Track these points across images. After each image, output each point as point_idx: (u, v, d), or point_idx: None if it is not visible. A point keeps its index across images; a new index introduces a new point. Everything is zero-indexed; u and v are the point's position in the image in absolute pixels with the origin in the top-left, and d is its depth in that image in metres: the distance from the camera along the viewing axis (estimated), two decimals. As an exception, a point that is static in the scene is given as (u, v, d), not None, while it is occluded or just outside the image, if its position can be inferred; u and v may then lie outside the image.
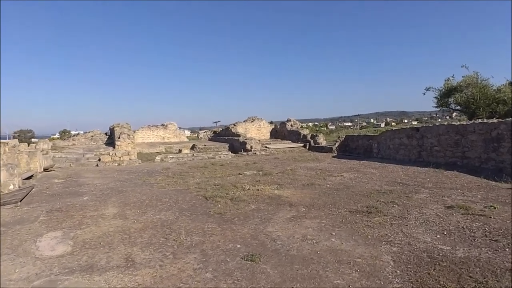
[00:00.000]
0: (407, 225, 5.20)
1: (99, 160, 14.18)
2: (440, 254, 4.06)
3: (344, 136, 17.83)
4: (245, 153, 17.41)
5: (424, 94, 20.30)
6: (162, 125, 24.99)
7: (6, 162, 9.23)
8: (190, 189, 8.70)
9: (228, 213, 6.26)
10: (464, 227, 5.00)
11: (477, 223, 5.13)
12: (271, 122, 28.74)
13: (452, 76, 19.13)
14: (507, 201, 6.42)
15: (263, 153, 17.41)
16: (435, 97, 19.99)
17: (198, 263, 4.08)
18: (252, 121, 25.80)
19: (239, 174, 11.20)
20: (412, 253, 4.15)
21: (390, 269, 3.74)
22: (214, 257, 4.24)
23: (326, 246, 4.49)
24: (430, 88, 19.89)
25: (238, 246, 4.63)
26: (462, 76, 18.67)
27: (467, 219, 5.38)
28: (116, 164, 13.99)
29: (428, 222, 5.30)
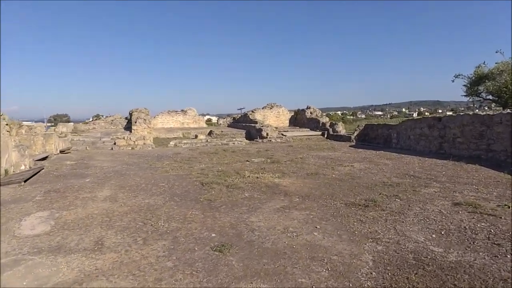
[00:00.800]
0: (403, 222, 4.73)
1: (114, 143, 14.41)
2: (429, 257, 3.61)
3: (363, 125, 17.03)
4: (260, 140, 17.11)
5: (453, 81, 18.85)
6: (182, 110, 25.10)
7: (18, 143, 9.47)
8: (192, 175, 8.57)
9: (218, 200, 6.05)
10: (467, 227, 4.46)
11: (483, 224, 4.56)
12: (298, 110, 27.89)
13: (484, 63, 17.62)
14: (526, 200, 5.72)
15: (279, 140, 17.03)
16: (465, 85, 18.52)
17: (164, 251, 3.90)
18: (270, 108, 25.31)
19: (247, 161, 10.96)
20: (398, 253, 3.73)
21: (365, 270, 3.35)
22: (183, 245, 4.04)
23: (305, 241, 4.15)
24: (459, 75, 18.43)
25: (213, 235, 4.41)
26: (496, 63, 17.09)
27: (473, 218, 4.81)
28: (130, 148, 14.16)
29: (427, 220, 4.79)
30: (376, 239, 4.15)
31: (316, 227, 4.61)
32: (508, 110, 10.05)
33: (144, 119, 16.02)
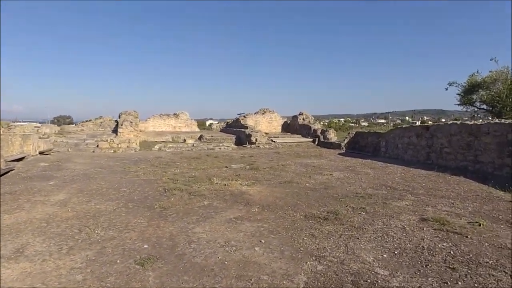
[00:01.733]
0: (358, 238, 4.32)
1: (97, 146, 14.13)
2: (369, 281, 3.21)
3: (354, 133, 16.59)
4: (249, 146, 16.75)
5: (446, 89, 18.22)
6: (174, 114, 24.84)
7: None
8: (161, 180, 8.24)
9: (172, 208, 5.69)
10: (425, 246, 4.05)
11: (444, 243, 4.14)
12: (306, 115, 27.27)
13: (477, 71, 17.04)
14: (500, 217, 5.28)
15: (267, 146, 16.65)
16: (458, 94, 17.95)
17: (83, 262, 3.58)
18: (263, 113, 24.95)
19: (226, 167, 10.60)
20: (337, 275, 3.33)
21: (291, 294, 2.97)
22: (107, 257, 3.71)
23: (242, 256, 3.77)
24: (453, 83, 17.86)
25: (146, 246, 4.06)
26: (489, 71, 16.52)
27: (437, 236, 4.39)
28: (112, 151, 13.88)
29: (385, 237, 4.38)
30: (320, 257, 3.76)
31: (260, 241, 4.23)
32: (496, 120, 9.60)
33: (131, 122, 15.75)
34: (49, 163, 10.74)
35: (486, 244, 4.12)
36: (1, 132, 9.62)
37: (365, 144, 15.39)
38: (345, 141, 16.22)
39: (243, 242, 4.19)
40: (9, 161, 10.05)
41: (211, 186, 7.45)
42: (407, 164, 11.24)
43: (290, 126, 23.79)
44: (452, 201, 6.25)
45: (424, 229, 4.68)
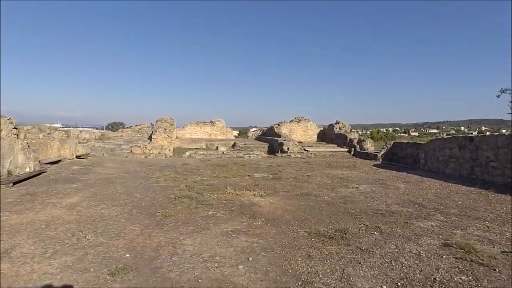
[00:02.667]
0: (360, 263, 3.79)
1: (131, 151, 14.58)
2: (353, 315, 2.72)
3: (392, 143, 15.47)
4: (280, 155, 16.32)
5: (498, 97, 16.21)
6: (210, 122, 25.12)
7: (25, 146, 9.79)
8: (178, 187, 8.17)
9: (173, 217, 5.52)
10: (438, 279, 3.42)
11: (463, 277, 3.47)
12: (342, 123, 26.37)
13: None
14: (545, 246, 4.41)
15: (299, 156, 16.09)
16: (511, 101, 15.94)
17: (58, 268, 3.57)
18: (298, 122, 24.30)
19: (248, 176, 10.32)
20: (318, 305, 2.88)
21: (255, 325, 2.58)
22: (83, 264, 3.63)
23: (220, 275, 3.44)
24: (506, 90, 15.90)
25: (127, 255, 3.90)
26: None
27: (456, 267, 3.71)
28: (144, 157, 14.23)
29: (393, 263, 3.80)
30: (307, 283, 3.31)
31: (248, 259, 3.87)
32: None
33: (165, 129, 16.11)
34: (81, 166, 11.21)
35: (516, 281, 3.40)
36: (21, 136, 10.06)
37: (403, 155, 14.27)
38: (382, 152, 15.19)
39: (229, 259, 3.85)
40: (44, 163, 10.63)
41: (223, 195, 7.20)
42: (447, 178, 10.15)
43: (326, 135, 22.95)
44: (488, 224, 5.39)
45: (444, 256, 4.01)
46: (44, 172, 9.69)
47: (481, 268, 3.68)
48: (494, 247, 4.39)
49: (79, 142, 13.98)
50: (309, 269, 3.63)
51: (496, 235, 4.87)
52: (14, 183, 7.87)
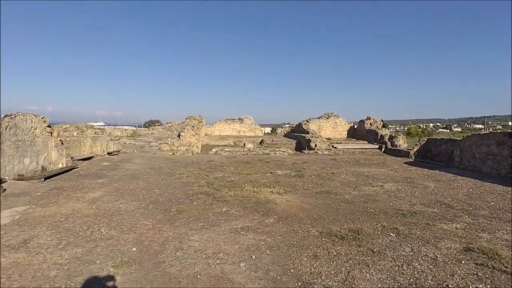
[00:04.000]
0: (368, 266, 3.60)
1: (159, 148, 14.98)
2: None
3: (425, 140, 14.66)
4: (306, 152, 16.04)
5: None
6: (239, 119, 25.23)
7: (58, 143, 10.35)
8: (199, 183, 8.26)
9: (187, 212, 5.58)
10: (451, 286, 3.16)
11: (480, 285, 3.18)
12: (373, 119, 25.42)
13: None
14: None
15: (326, 152, 15.72)
16: None
17: (68, 259, 3.76)
18: (327, 118, 23.70)
19: (271, 172, 10.24)
20: (314, 307, 2.76)
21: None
22: (91, 256, 3.79)
23: (220, 272, 3.41)
24: None
25: (134, 249, 3.99)
26: None
27: (475, 274, 3.42)
28: (171, 153, 14.56)
29: (405, 268, 3.57)
30: (308, 283, 3.20)
31: (251, 257, 3.81)
32: None
33: (193, 126, 16.39)
34: (111, 163, 11.66)
35: (539, 289, 3.07)
36: (55, 133, 10.54)
37: (437, 152, 13.48)
38: (414, 149, 14.45)
39: (232, 256, 3.81)
40: (76, 160, 11.17)
41: (241, 192, 7.18)
42: (483, 177, 9.45)
43: (357, 132, 22.25)
44: (522, 228, 4.94)
45: (463, 262, 3.71)
46: (75, 168, 10.18)
47: (503, 276, 3.36)
48: (521, 252, 4.01)
49: (110, 140, 14.56)
50: (313, 269, 3.50)
51: (528, 240, 4.45)
52: (46, 178, 8.32)
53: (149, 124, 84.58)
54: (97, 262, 3.58)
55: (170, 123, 20.07)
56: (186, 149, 14.92)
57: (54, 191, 7.11)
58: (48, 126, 9.99)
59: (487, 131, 11.69)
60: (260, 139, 19.54)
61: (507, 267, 3.54)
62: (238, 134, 24.42)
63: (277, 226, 4.97)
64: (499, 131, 10.91)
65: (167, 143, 14.96)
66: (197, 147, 16.10)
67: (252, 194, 7.03)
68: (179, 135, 16.79)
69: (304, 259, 3.77)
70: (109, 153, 13.62)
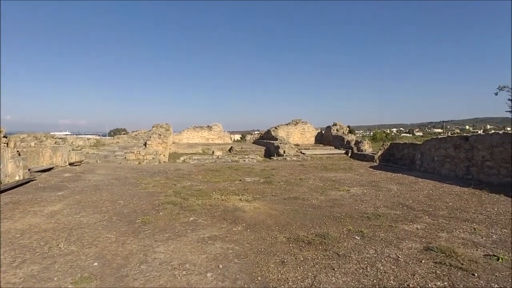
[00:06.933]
0: (334, 269, 3.65)
1: (125, 158, 14.53)
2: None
3: (389, 144, 15.28)
4: (275, 158, 16.20)
5: (496, 94, 16.03)
6: (208, 126, 25.07)
7: (13, 155, 9.76)
8: (166, 193, 8.06)
9: (152, 224, 5.42)
10: (412, 285, 3.27)
11: (438, 282, 3.32)
12: (340, 125, 25.91)
13: None
14: (532, 249, 4.24)
15: (294, 159, 15.96)
16: (509, 99, 15.71)
17: (22, 277, 3.50)
18: (295, 124, 24.16)
19: (240, 180, 10.21)
20: (281, 314, 2.75)
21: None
22: (49, 273, 3.58)
23: (186, 283, 3.35)
24: (504, 87, 15.68)
25: (95, 264, 3.81)
26: None
27: (433, 272, 3.56)
28: (137, 163, 14.15)
29: (369, 269, 3.66)
30: (272, 290, 3.18)
31: (219, 266, 3.75)
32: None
33: (160, 134, 16.06)
34: (72, 174, 11.15)
35: (496, 286, 3.25)
36: (11, 144, 10.00)
37: (400, 156, 14.08)
38: (379, 153, 15.00)
39: (199, 266, 3.74)
40: (35, 171, 10.58)
41: (208, 200, 7.09)
42: (443, 179, 9.97)
43: (324, 138, 22.78)
44: (476, 226, 5.24)
45: (423, 261, 3.86)
46: (33, 180, 9.64)
47: (459, 273, 3.53)
48: (477, 250, 4.25)
49: (72, 150, 13.95)
50: (280, 276, 3.51)
51: (482, 238, 4.72)
52: (1, 192, 7.81)
53: (114, 132, 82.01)
54: (55, 279, 3.39)
55: (136, 131, 19.54)
56: (153, 158, 14.57)
57: (9, 205, 6.67)
58: (4, 137, 9.43)
59: (445, 135, 12.33)
60: (229, 146, 19.49)
61: (463, 264, 3.72)
62: (207, 141, 24.22)
63: (245, 234, 4.94)
64: (455, 135, 11.55)
65: (133, 152, 14.54)
66: (164, 155, 15.78)
67: (221, 202, 6.97)
68: (145, 144, 16.38)
69: (272, 265, 3.77)
70: (70, 164, 13.02)
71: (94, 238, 4.68)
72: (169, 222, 5.53)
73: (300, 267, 3.72)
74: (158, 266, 3.73)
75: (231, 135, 28.88)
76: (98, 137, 19.70)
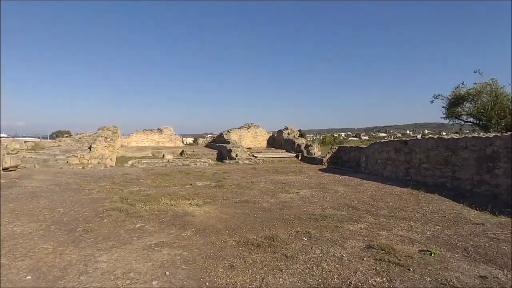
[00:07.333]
0: (282, 271, 3.72)
1: (67, 162, 13.62)
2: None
3: (336, 148, 16.01)
4: (227, 162, 16.20)
5: (432, 102, 17.70)
6: (158, 129, 24.41)
7: None
8: (111, 198, 7.67)
9: (95, 232, 5.12)
10: (353, 282, 3.43)
11: (378, 278, 3.52)
12: (291, 129, 26.48)
13: (462, 83, 16.61)
14: (459, 244, 4.66)
15: (247, 162, 16.08)
16: (444, 107, 17.40)
17: None
18: (248, 128, 24.46)
19: (190, 184, 10.03)
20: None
21: None
22: None
23: (128, 293, 3.18)
24: (439, 95, 17.37)
25: (28, 277, 3.50)
26: (474, 83, 16.06)
27: (374, 269, 3.77)
28: (81, 167, 13.34)
29: (315, 269, 3.78)
30: (219, 294, 3.16)
31: (165, 273, 3.64)
32: (475, 134, 9.04)
33: (106, 137, 15.29)
34: (6, 180, 10.20)
35: (428, 279, 3.52)
36: None
37: (347, 159, 14.79)
38: (327, 156, 15.64)
39: (144, 274, 3.60)
40: (-40, 178, 9.53)
41: (157, 206, 6.87)
42: (385, 180, 10.63)
43: (276, 141, 23.27)
44: (412, 224, 5.65)
45: (365, 259, 4.07)
46: (-43, 188, 8.66)
47: (397, 269, 3.77)
48: (413, 246, 4.57)
49: (7, 153, 12.78)
50: (229, 280, 3.49)
51: (418, 234, 5.10)
52: None
53: (56, 135, 76.43)
54: (-22, 297, 3.07)
55: (81, 134, 18.39)
56: (98, 162, 13.81)
57: None
58: None
59: (387, 140, 13.15)
60: (180, 150, 19.08)
61: (400, 260, 3.99)
62: (157, 145, 23.49)
63: (194, 239, 4.86)
64: (397, 139, 12.38)
65: (77, 156, 13.65)
66: (111, 159, 15.05)
67: (170, 207, 6.79)
68: (90, 147, 15.48)
69: (220, 270, 3.74)
70: (4, 169, 11.89)
71: (29, 250, 4.32)
72: (113, 229, 5.27)
73: (248, 270, 3.73)
74: (99, 276, 3.53)
75: (183, 139, 28.31)
76: (37, 140, 18.21)
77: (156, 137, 24.09)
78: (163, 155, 16.95)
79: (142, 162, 14.92)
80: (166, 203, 7.11)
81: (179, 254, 4.22)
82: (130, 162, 14.77)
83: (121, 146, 20.49)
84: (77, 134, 18.60)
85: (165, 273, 3.65)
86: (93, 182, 10.20)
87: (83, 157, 13.69)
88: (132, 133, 23.59)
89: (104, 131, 16.44)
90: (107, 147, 15.10)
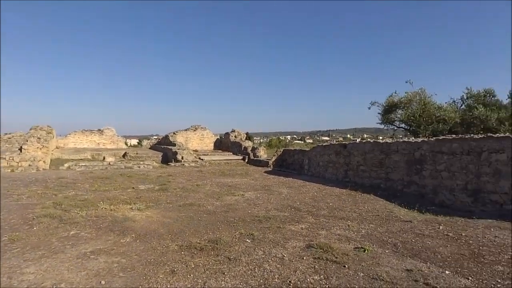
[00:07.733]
0: (224, 274, 3.72)
1: (-8, 164, 12.32)
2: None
3: (282, 150, 16.49)
4: (173, 164, 15.84)
5: (369, 108, 19.31)
6: (98, 130, 23.08)
7: None
8: (43, 204, 7.09)
9: (23, 241, 4.72)
10: (293, 281, 3.55)
11: (316, 276, 3.68)
12: (238, 132, 26.59)
13: (395, 92, 18.32)
14: (389, 240, 5.05)
15: (193, 164, 15.86)
16: (379, 113, 18.99)
17: None
18: (194, 130, 24.22)
19: (133, 188, 9.64)
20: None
21: None
22: None
23: (59, 306, 2.97)
24: (375, 102, 18.95)
25: None
26: (405, 92, 17.80)
27: (312, 267, 3.94)
28: (9, 170, 12.16)
29: (257, 270, 3.84)
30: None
31: (101, 282, 3.46)
32: (405, 139, 9.88)
33: (39, 138, 14.09)
34: None
35: (361, 274, 3.75)
36: None
37: (292, 161, 15.27)
38: (273, 159, 16.00)
39: (77, 285, 3.40)
40: None
41: (95, 211, 6.51)
42: (327, 182, 11.15)
43: (223, 144, 23.27)
44: (349, 223, 5.99)
45: (304, 258, 4.24)
46: None
47: (333, 266, 3.98)
48: (349, 244, 4.85)
49: None
50: (169, 286, 3.43)
51: (354, 233, 5.42)
52: None
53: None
54: None
55: (10, 134, 16.69)
56: (29, 165, 12.67)
57: None
58: None
59: (329, 143, 13.80)
60: (123, 152, 18.22)
61: (337, 258, 4.21)
62: (98, 146, 22.17)
63: (134, 245, 4.69)
64: (337, 142, 13.04)
65: (5, 158, 12.39)
66: (44, 162, 13.90)
67: (109, 212, 6.47)
68: (20, 149, 14.15)
69: (161, 276, 3.65)
70: None
71: None
72: (44, 237, 4.89)
73: (190, 275, 3.69)
74: (25, 291, 3.26)
75: (127, 140, 27.06)
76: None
77: (96, 138, 22.67)
78: (104, 158, 16.05)
79: (80, 164, 13.97)
80: (105, 208, 6.76)
81: (117, 262, 4.04)
82: (66, 165, 13.75)
83: (57, 148, 19.02)
84: (6, 134, 16.85)
85: (100, 282, 3.48)
86: (23, 186, 9.36)
87: (13, 160, 12.48)
88: (69, 134, 21.95)
89: (37, 131, 15.11)
90: (40, 149, 13.91)
